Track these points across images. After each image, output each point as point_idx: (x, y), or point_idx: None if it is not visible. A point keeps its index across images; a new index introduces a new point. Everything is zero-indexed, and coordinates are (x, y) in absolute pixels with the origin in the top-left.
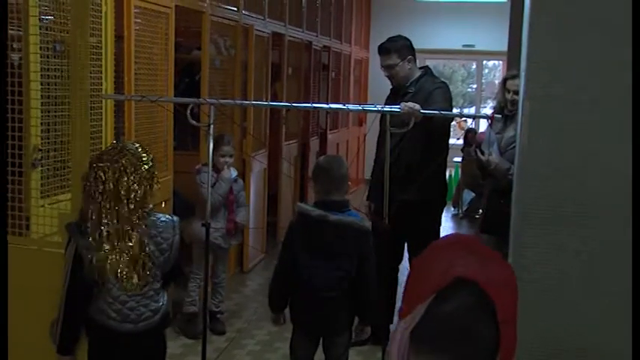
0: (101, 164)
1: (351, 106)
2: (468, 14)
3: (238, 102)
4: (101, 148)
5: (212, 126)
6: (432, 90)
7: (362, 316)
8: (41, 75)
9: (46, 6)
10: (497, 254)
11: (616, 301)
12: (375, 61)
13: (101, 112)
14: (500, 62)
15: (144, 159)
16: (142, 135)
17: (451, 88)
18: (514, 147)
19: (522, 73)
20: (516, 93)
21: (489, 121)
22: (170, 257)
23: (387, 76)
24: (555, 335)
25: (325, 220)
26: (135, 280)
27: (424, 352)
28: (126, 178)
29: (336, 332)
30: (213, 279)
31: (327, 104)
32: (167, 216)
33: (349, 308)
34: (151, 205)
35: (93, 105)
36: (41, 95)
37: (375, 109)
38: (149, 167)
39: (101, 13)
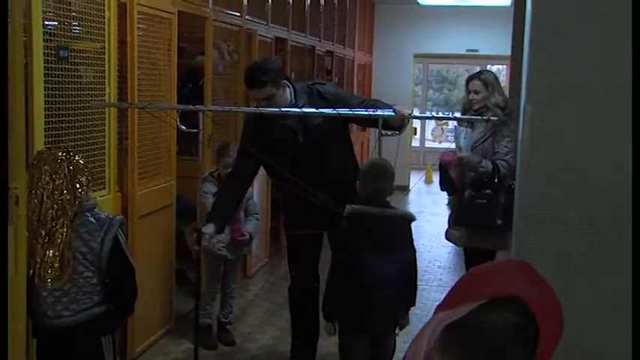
0: (29, 169)
1: (342, 111)
2: (472, 19)
3: (227, 108)
4: (104, 153)
5: (201, 131)
6: (333, 92)
7: (410, 303)
8: (45, 80)
9: (50, 12)
10: (551, 291)
11: (618, 303)
12: (379, 65)
13: (104, 118)
14: (505, 66)
15: (61, 160)
16: (145, 140)
17: (455, 92)
18: (482, 143)
19: (523, 77)
20: (476, 92)
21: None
22: (101, 255)
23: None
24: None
25: (384, 216)
26: (54, 275)
27: (449, 352)
28: (47, 180)
29: (390, 327)
30: (224, 290)
31: (317, 109)
32: (105, 214)
33: (403, 301)
34: (90, 202)
35: (95, 110)
36: (45, 100)
37: (367, 113)
38: (70, 170)
39: (104, 18)
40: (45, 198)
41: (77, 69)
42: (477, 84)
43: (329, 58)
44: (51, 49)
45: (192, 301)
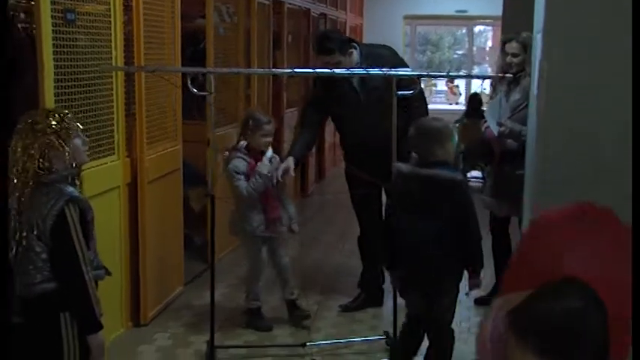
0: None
1: (356, 71)
2: None
3: (236, 70)
4: (112, 118)
5: (212, 95)
6: (386, 56)
7: (471, 264)
8: (53, 44)
9: None
10: (613, 217)
11: None
12: (369, 26)
13: (111, 82)
14: (489, 27)
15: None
16: (152, 105)
17: (438, 54)
18: (521, 110)
19: (537, 35)
20: (514, 56)
21: (492, 86)
22: (45, 228)
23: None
24: None
25: (417, 175)
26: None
27: (529, 350)
28: (15, 148)
29: (439, 288)
30: (278, 268)
31: (331, 70)
32: (66, 189)
33: (453, 263)
34: (52, 175)
35: (103, 75)
36: (54, 65)
37: (381, 72)
38: (29, 138)
39: None
40: (11, 166)
41: (83, 32)
42: (514, 46)
43: (323, 21)
44: (58, 12)
45: (199, 264)
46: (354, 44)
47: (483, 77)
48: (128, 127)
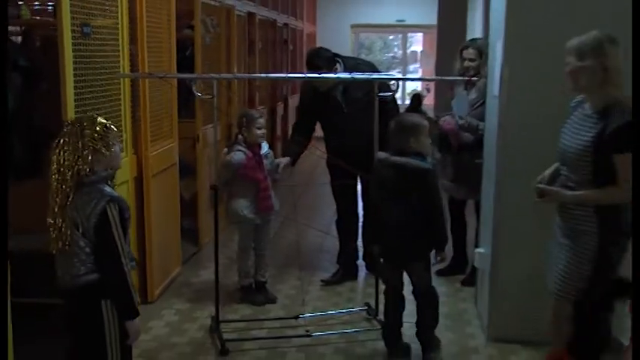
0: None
1: (342, 75)
2: None
3: (239, 75)
4: (121, 120)
5: (216, 98)
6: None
7: (438, 242)
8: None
9: None
10: None
11: None
12: (321, 34)
13: (119, 88)
14: (415, 34)
15: (74, 131)
16: (154, 106)
17: (370, 57)
18: (478, 107)
19: (497, 43)
20: (471, 60)
21: (450, 88)
22: (89, 225)
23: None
24: (531, 271)
25: (391, 163)
26: (55, 239)
27: None
28: (56, 155)
29: (413, 259)
30: (258, 251)
31: (319, 73)
32: (106, 189)
33: (422, 240)
34: (93, 177)
35: (112, 81)
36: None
37: (363, 76)
38: (78, 143)
39: None
40: (56, 166)
41: (96, 43)
42: (471, 52)
43: (285, 30)
44: (75, 26)
45: (190, 247)
46: (338, 60)
47: (453, 79)
48: (133, 127)
